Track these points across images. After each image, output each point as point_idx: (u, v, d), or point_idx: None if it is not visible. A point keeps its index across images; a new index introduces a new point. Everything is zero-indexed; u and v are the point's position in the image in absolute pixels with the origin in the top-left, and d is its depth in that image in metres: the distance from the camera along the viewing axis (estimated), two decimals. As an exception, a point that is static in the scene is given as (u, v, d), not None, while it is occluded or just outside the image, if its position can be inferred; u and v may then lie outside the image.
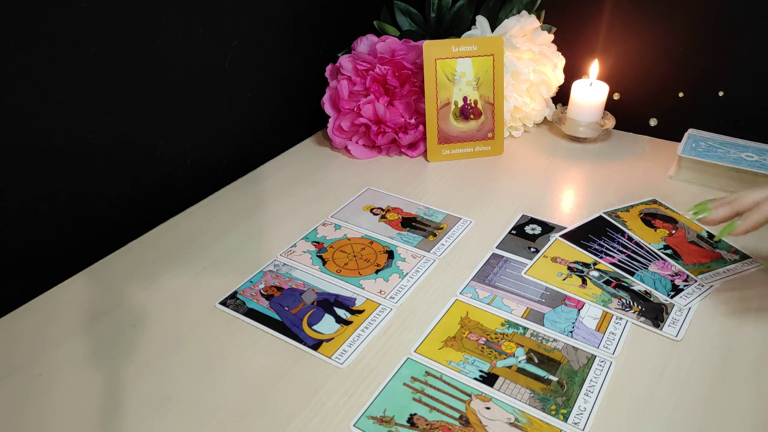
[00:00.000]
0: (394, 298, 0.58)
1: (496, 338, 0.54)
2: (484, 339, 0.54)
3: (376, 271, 0.62)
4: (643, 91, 0.87)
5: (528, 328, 0.55)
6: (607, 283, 0.60)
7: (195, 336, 0.54)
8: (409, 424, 0.46)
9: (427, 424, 0.46)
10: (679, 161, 0.77)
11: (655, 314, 0.56)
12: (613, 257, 0.63)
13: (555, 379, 0.50)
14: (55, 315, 0.56)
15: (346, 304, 0.58)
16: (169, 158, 0.70)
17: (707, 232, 0.67)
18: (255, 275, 0.61)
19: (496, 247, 0.65)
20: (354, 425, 0.46)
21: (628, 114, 0.89)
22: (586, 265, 0.62)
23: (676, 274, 0.61)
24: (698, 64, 0.82)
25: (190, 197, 0.73)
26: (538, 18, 0.87)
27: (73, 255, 0.62)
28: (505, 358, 0.52)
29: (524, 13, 0.85)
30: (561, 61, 0.87)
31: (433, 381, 0.50)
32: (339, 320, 0.56)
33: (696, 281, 0.60)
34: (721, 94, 0.82)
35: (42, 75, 0.55)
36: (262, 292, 0.59)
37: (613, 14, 0.85)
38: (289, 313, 0.56)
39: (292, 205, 0.73)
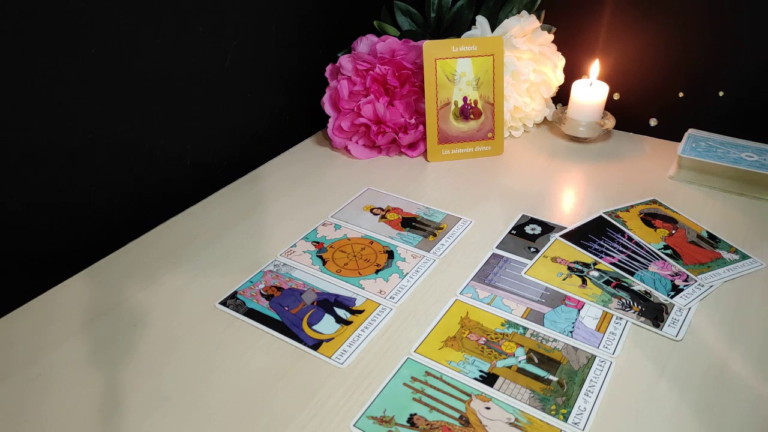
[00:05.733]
0: (394, 298, 0.58)
1: (496, 338, 0.54)
2: (484, 339, 0.54)
3: (376, 271, 0.62)
4: (643, 91, 0.87)
5: (528, 328, 0.55)
6: (607, 283, 0.60)
7: (195, 336, 0.54)
8: (409, 424, 0.46)
9: (427, 424, 0.46)
10: (679, 161, 0.77)
11: (655, 314, 0.56)
12: (613, 257, 0.63)
13: (555, 379, 0.50)
14: (54, 315, 0.56)
15: (346, 304, 0.58)
16: (169, 158, 0.70)
17: (707, 232, 0.67)
18: (255, 275, 0.61)
19: (496, 247, 0.65)
20: (354, 425, 0.46)
21: (628, 114, 0.89)
22: (586, 265, 0.62)
23: (676, 274, 0.61)
24: (698, 64, 0.82)
25: (190, 197, 0.73)
26: (538, 18, 0.86)
27: (73, 255, 0.62)
28: (505, 358, 0.52)
29: (524, 13, 0.85)
30: (561, 61, 0.87)
31: (433, 381, 0.50)
32: (339, 320, 0.56)
33: (696, 281, 0.60)
34: (721, 94, 0.82)
35: (42, 75, 0.55)
36: (262, 292, 0.59)
37: (614, 14, 0.85)
38: (289, 313, 0.56)
39: (292, 205, 0.73)
